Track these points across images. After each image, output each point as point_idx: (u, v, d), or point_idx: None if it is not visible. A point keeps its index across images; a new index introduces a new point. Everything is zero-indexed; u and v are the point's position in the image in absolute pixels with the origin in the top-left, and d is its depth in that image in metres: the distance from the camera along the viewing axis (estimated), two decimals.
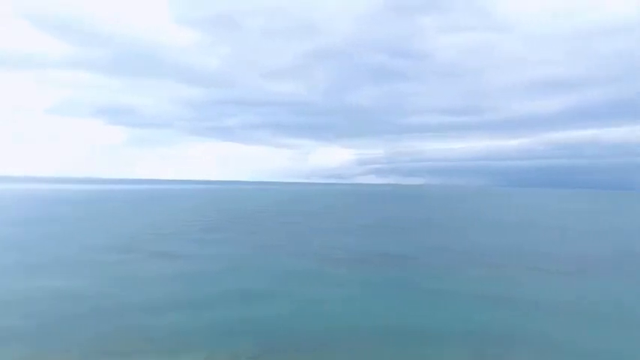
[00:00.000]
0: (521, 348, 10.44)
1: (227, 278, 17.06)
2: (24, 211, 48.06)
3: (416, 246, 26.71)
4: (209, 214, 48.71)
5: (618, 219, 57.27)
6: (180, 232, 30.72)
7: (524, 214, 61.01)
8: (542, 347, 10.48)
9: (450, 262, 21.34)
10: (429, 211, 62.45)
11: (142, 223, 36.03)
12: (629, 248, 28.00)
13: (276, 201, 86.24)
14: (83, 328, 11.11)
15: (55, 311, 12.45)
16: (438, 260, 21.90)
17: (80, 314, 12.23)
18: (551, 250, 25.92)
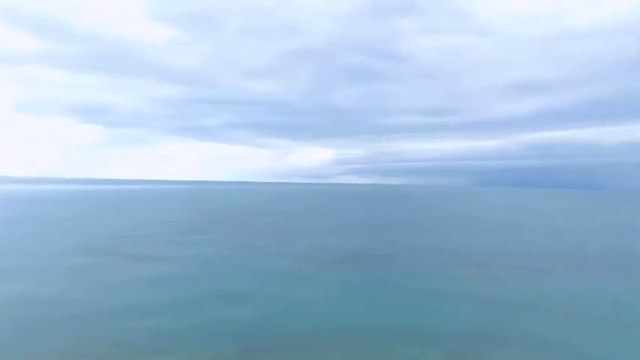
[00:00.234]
0: (502, 347, 10.70)
1: (207, 280, 16.91)
2: None
3: (396, 246, 27.03)
4: (188, 214, 48.07)
5: (587, 218, 59.25)
6: (158, 234, 30.23)
7: (501, 214, 62.46)
8: (525, 346, 10.78)
9: (431, 262, 21.70)
10: (408, 211, 63.20)
11: (118, 225, 35.27)
12: (600, 246, 29.03)
13: (256, 201, 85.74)
14: (59, 335, 10.83)
15: (29, 317, 12.08)
16: (419, 260, 22.23)
17: (55, 320, 11.91)
18: (528, 249, 26.64)
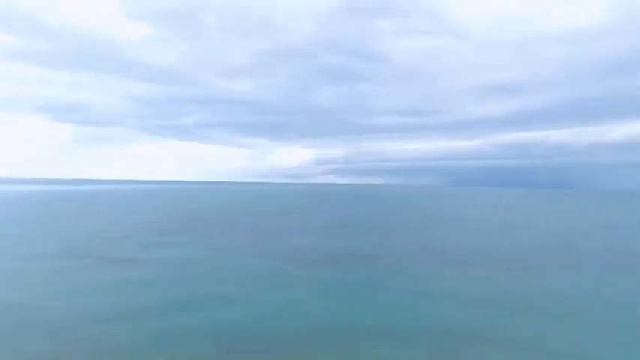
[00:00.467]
0: (485, 346, 10.84)
1: (185, 282, 16.60)
2: None
3: (377, 245, 27.18)
4: (165, 215, 47.21)
5: (562, 217, 61.02)
6: (134, 236, 29.55)
7: (479, 214, 63.68)
8: (508, 345, 10.95)
9: (412, 261, 21.89)
10: (388, 211, 63.74)
11: (92, 227, 34.33)
12: (574, 244, 29.87)
13: (235, 201, 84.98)
14: (30, 343, 10.42)
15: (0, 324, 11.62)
16: (400, 259, 22.40)
17: (27, 327, 11.46)
18: (506, 248, 27.21)
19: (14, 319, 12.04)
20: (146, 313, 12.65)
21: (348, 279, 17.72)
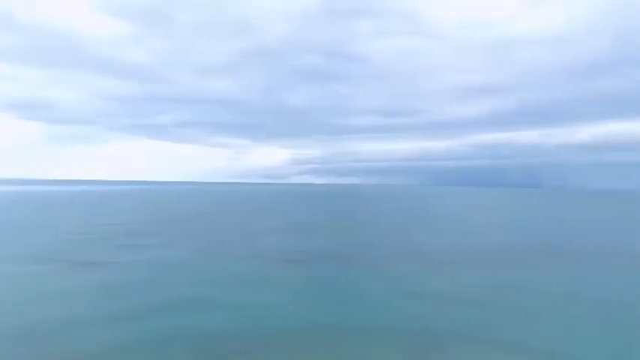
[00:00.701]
0: (458, 342, 11.09)
1: (161, 286, 16.31)
2: None
3: (353, 245, 27.38)
4: (139, 216, 46.21)
5: (532, 215, 62.86)
6: (106, 238, 28.83)
7: (453, 212, 64.94)
8: (480, 340, 11.23)
9: (388, 260, 22.16)
10: (364, 210, 64.22)
11: (62, 229, 33.30)
12: (545, 241, 30.85)
13: (211, 202, 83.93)
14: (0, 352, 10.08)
15: None
16: (376, 258, 22.64)
17: None
18: (479, 245, 27.84)
19: None
20: (121, 319, 12.38)
21: (326, 279, 17.81)
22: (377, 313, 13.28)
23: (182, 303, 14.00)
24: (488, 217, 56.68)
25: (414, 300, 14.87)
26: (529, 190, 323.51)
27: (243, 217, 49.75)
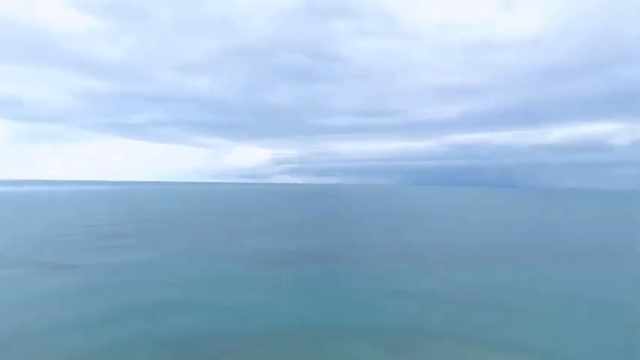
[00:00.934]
0: (438, 340, 11.20)
1: (139, 288, 15.90)
2: None
3: (333, 244, 27.38)
4: (114, 218, 45.05)
5: (506, 214, 64.37)
6: (80, 240, 27.98)
7: (431, 212, 65.83)
8: (459, 338, 11.37)
9: (367, 259, 22.22)
10: (343, 210, 64.41)
11: (32, 231, 32.14)
12: (521, 241, 31.59)
13: (190, 202, 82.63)
14: None
15: None
16: (356, 258, 22.68)
17: None
18: (457, 244, 28.27)
19: None
20: (97, 323, 11.99)
21: (306, 279, 17.73)
22: (361, 313, 13.28)
23: (163, 305, 13.69)
24: (468, 216, 57.70)
25: (395, 299, 14.94)
26: (504, 190, 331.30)
27: (222, 217, 49.17)
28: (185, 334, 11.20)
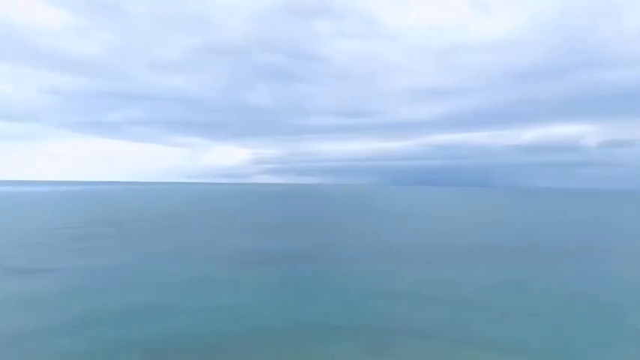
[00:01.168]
0: (416, 338, 11.23)
1: (113, 292, 15.41)
2: None
3: (313, 244, 27.27)
4: (88, 219, 43.73)
5: (483, 213, 65.65)
6: (51, 243, 27.05)
7: (410, 211, 66.50)
8: (437, 336, 11.42)
9: (346, 259, 22.17)
10: (323, 210, 64.41)
11: (2, 234, 30.91)
12: (495, 240, 32.17)
13: (168, 203, 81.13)
14: None
15: None
16: (335, 257, 22.61)
17: None
18: (435, 244, 28.58)
19: None
20: (71, 329, 11.56)
21: (287, 279, 17.57)
22: (344, 312, 13.22)
23: (141, 309, 13.30)
24: (447, 216, 58.55)
25: (377, 299, 14.94)
26: (480, 189, 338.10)
27: (201, 218, 48.43)
28: (164, 339, 10.90)
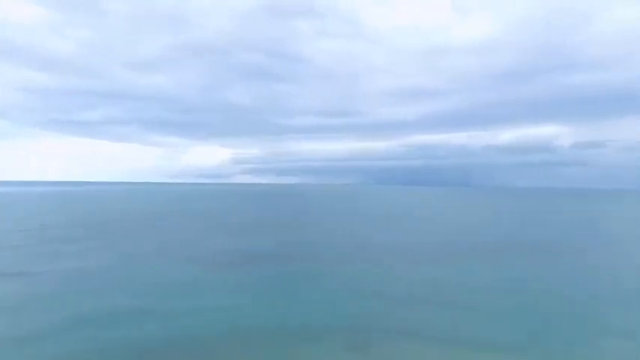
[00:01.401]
0: (394, 336, 11.31)
1: (90, 297, 15.01)
2: None
3: (294, 244, 27.20)
4: (62, 220, 42.47)
5: (461, 213, 66.73)
6: (25, 245, 26.19)
7: (390, 211, 67.03)
8: (413, 334, 11.53)
9: (326, 259, 22.20)
10: (304, 210, 64.33)
11: None
12: (473, 239, 32.70)
13: (147, 203, 79.65)
14: None
15: None
16: (315, 257, 22.61)
17: None
18: (414, 243, 28.86)
19: None
20: (46, 336, 11.22)
21: (267, 280, 17.47)
22: (323, 313, 13.22)
23: (119, 313, 13.00)
24: (427, 215, 59.26)
25: (357, 298, 15.01)
26: (460, 189, 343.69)
27: (180, 218, 47.71)
28: (142, 343, 10.68)
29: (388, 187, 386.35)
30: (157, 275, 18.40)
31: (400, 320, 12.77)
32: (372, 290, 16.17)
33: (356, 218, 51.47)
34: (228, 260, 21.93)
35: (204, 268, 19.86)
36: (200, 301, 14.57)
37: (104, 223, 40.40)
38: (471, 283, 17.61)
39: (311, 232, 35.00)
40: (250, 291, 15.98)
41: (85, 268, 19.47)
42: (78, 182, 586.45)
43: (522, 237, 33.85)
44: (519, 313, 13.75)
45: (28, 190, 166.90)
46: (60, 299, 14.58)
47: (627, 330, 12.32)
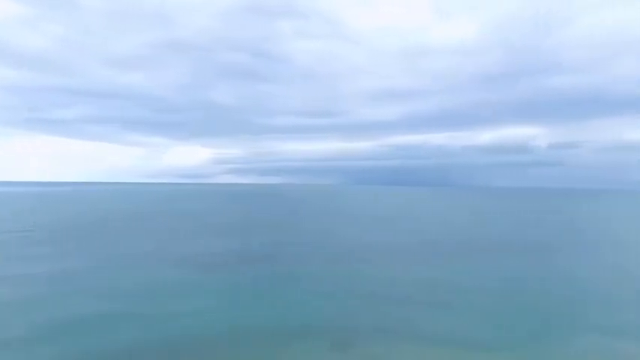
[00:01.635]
0: (374, 336, 11.55)
1: (65, 301, 14.76)
2: None
3: (277, 245, 27.25)
4: (41, 222, 41.36)
5: (440, 212, 67.75)
6: (0, 248, 25.52)
7: (371, 211, 67.52)
8: (392, 333, 11.79)
9: (310, 259, 22.34)
10: (286, 210, 64.25)
11: None
12: (452, 238, 33.34)
13: (127, 204, 78.23)
14: None
15: None
16: (298, 258, 22.73)
17: None
18: (396, 243, 29.26)
19: None
20: (20, 343, 11.05)
21: (248, 281, 17.52)
22: (304, 313, 13.36)
23: (95, 318, 12.85)
24: (407, 215, 59.96)
25: (337, 299, 15.22)
26: (439, 189, 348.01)
27: (161, 219, 47.11)
28: (120, 348, 10.63)
29: (369, 188, 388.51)
30: (133, 278, 18.19)
31: (386, 319, 13.00)
32: (359, 290, 16.38)
33: (340, 218, 51.76)
34: (214, 261, 21.88)
35: (190, 270, 19.78)
36: (187, 302, 14.56)
37: (83, 225, 39.56)
38: (457, 282, 18.00)
39: (296, 233, 35.09)
40: (237, 292, 16.02)
41: (59, 272, 19.07)
42: (54, 182, 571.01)
43: (506, 236, 34.71)
44: (505, 312, 14.15)
45: (2, 190, 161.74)
46: (33, 305, 14.30)
47: (611, 328, 12.82)
